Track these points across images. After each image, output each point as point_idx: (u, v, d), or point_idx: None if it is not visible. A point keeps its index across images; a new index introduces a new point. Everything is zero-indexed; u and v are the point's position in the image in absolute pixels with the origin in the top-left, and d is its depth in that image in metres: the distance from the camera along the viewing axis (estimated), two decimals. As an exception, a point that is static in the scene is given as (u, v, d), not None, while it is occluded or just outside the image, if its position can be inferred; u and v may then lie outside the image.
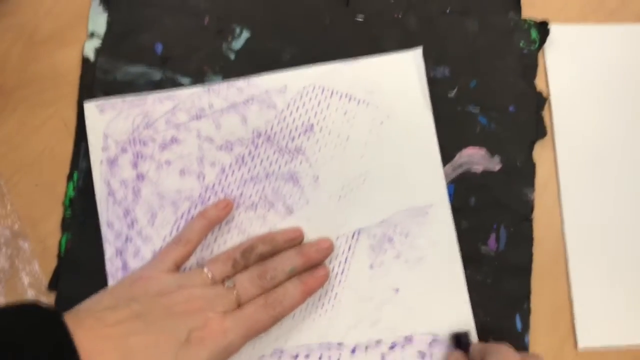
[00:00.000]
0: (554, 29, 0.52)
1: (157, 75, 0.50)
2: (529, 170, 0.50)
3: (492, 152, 0.50)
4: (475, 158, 0.50)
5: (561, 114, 0.51)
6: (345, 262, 0.47)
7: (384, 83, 0.49)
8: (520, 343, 0.46)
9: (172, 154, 0.48)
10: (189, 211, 0.47)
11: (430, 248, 0.47)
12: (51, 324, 0.35)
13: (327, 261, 0.46)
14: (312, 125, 0.49)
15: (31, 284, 0.47)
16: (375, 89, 0.49)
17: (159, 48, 0.51)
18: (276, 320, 0.43)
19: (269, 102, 0.49)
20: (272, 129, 0.49)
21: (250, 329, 0.41)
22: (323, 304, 0.46)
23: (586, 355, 0.47)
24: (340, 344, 0.45)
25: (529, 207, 0.49)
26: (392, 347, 0.45)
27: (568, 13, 0.54)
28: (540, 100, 0.51)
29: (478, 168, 0.50)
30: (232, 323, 0.41)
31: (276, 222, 0.47)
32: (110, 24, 0.51)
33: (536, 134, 0.51)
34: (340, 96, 0.49)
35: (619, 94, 0.52)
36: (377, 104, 0.49)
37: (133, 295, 0.40)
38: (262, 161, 0.48)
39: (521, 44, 0.52)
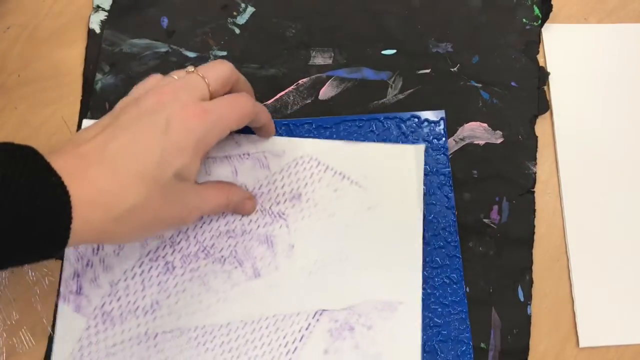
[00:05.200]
0: (554, 28, 0.51)
1: (162, 48, 0.48)
2: (531, 144, 0.48)
3: (494, 126, 0.48)
4: (477, 132, 0.48)
5: (562, 113, 0.50)
6: (301, 340, 0.43)
7: (380, 170, 0.46)
8: (523, 313, 0.45)
9: None
10: (156, 250, 0.44)
11: (391, 346, 0.43)
12: (25, 151, 0.32)
13: (282, 334, 0.43)
14: (299, 194, 0.45)
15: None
16: (371, 173, 0.46)
17: (164, 22, 0.49)
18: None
19: (263, 162, 0.45)
20: (259, 188, 0.45)
21: (232, 112, 0.38)
22: None
23: (588, 353, 0.46)
24: None
25: (531, 180, 0.48)
26: None
27: (568, 12, 0.52)
28: (542, 76, 0.50)
29: (480, 141, 0.48)
30: (213, 105, 0.37)
31: (240, 282, 0.43)
32: (115, -3, 0.49)
33: (538, 109, 0.49)
34: (334, 173, 0.46)
35: (619, 94, 0.50)
36: (369, 189, 0.45)
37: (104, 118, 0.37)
38: (241, 216, 0.45)
39: (524, 20, 0.51)
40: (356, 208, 0.45)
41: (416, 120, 0.48)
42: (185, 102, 0.36)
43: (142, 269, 0.44)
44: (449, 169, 0.47)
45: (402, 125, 0.47)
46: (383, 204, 0.46)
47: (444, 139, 0.48)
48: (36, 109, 0.48)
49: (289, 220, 0.45)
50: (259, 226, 0.45)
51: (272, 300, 0.44)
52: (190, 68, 0.38)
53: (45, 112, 0.48)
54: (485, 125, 0.48)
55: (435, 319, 0.45)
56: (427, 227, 0.46)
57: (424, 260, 0.45)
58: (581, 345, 0.46)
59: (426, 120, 0.48)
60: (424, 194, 0.46)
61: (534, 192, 0.48)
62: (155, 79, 0.39)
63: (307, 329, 0.43)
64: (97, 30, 0.49)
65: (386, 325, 0.44)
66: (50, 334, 0.44)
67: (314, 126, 0.47)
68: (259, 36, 0.49)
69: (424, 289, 0.45)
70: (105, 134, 0.35)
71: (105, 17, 0.49)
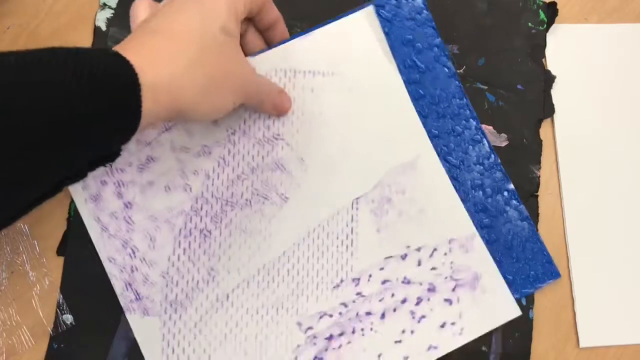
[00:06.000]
0: (554, 28, 0.50)
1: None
2: (535, 148, 0.48)
3: (499, 129, 0.48)
4: (483, 134, 0.48)
5: (562, 113, 0.49)
6: (352, 233, 0.45)
7: (343, 50, 0.46)
8: (524, 317, 0.45)
9: (152, 174, 0.45)
10: (185, 226, 0.44)
11: (428, 198, 0.45)
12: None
13: (334, 236, 0.45)
14: None
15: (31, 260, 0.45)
16: (336, 58, 0.46)
17: (169, 19, 0.49)
18: None
19: None
20: (245, 122, 0.45)
21: None
22: (342, 279, 0.44)
23: (587, 353, 0.46)
24: (368, 313, 0.44)
25: (535, 184, 0.48)
26: (418, 303, 0.44)
27: (568, 13, 0.51)
28: (548, 79, 0.50)
29: (485, 144, 0.48)
30: None
31: (274, 213, 0.45)
32: (121, -4, 0.49)
33: (543, 112, 0.49)
34: (304, 74, 0.46)
35: (618, 94, 0.50)
36: (341, 73, 0.46)
37: None
38: (243, 157, 0.45)
39: (529, 24, 0.50)
40: (339, 96, 0.46)
41: (394, 2, 0.47)
42: None
43: (182, 248, 0.44)
44: (440, 39, 0.47)
45: (382, 11, 0.47)
46: (360, 78, 0.46)
47: (425, 11, 0.48)
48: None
49: (286, 138, 0.45)
50: (263, 157, 0.45)
51: (309, 213, 0.45)
52: None
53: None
54: (491, 127, 0.48)
55: (476, 180, 0.46)
56: (438, 100, 0.47)
57: (445, 134, 0.47)
58: (581, 345, 0.46)
59: None
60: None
61: (537, 196, 0.48)
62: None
63: (352, 220, 0.45)
64: (103, 28, 0.49)
65: (415, 182, 0.45)
66: (51, 334, 0.44)
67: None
68: (264, 34, 0.49)
69: (452, 164, 0.46)
70: (146, 20, 0.37)
71: (112, 15, 0.49)
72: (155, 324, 0.43)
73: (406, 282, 0.44)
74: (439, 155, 0.46)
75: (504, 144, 0.48)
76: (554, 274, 0.46)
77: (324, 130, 0.46)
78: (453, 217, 0.45)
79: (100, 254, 0.44)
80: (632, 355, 0.46)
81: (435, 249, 0.45)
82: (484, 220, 0.46)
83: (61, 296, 0.45)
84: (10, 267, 0.45)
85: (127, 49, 0.32)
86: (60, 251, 0.45)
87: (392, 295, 0.44)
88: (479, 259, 0.45)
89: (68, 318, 0.44)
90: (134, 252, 0.44)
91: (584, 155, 0.49)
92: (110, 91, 0.30)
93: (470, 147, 0.47)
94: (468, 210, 0.46)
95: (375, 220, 0.45)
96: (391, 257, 0.45)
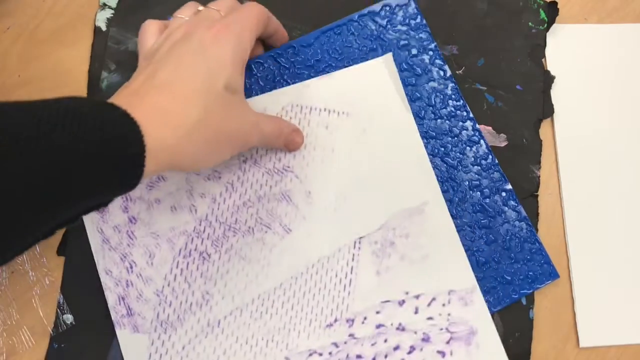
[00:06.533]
0: (554, 28, 0.50)
1: (168, 48, 0.48)
2: (535, 148, 0.48)
3: (498, 129, 0.48)
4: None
5: (561, 113, 0.49)
6: (352, 272, 0.44)
7: (360, 92, 0.46)
8: (525, 317, 0.45)
9: (161, 192, 0.45)
10: (185, 246, 0.44)
11: (432, 245, 0.45)
12: (82, 98, 0.32)
13: (333, 274, 0.44)
14: None
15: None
16: (353, 99, 0.46)
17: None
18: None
19: None
20: (257, 152, 0.45)
21: (250, 16, 0.41)
22: (336, 318, 0.44)
23: (587, 353, 0.46)
24: (359, 356, 0.43)
25: (535, 184, 0.47)
26: (410, 352, 0.43)
27: (568, 13, 0.51)
28: (548, 79, 0.49)
29: (484, 144, 0.48)
30: (231, 18, 0.40)
31: (275, 243, 0.44)
32: (121, -4, 0.49)
33: (543, 113, 0.49)
34: (320, 111, 0.46)
35: (618, 94, 0.50)
36: (357, 113, 0.46)
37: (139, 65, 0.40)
38: (252, 185, 0.45)
39: (530, 24, 0.50)
40: (352, 135, 0.46)
41: (388, 8, 0.48)
42: (208, 25, 0.39)
43: (180, 269, 0.44)
44: (435, 43, 0.48)
45: (377, 18, 0.48)
46: (375, 121, 0.46)
47: (419, 17, 0.48)
48: (37, 110, 0.47)
49: (295, 170, 0.45)
50: (271, 187, 0.45)
51: (311, 247, 0.45)
52: (200, 7, 0.42)
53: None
54: (490, 128, 0.48)
55: (474, 181, 0.46)
56: (434, 102, 0.47)
57: (442, 135, 0.47)
58: (581, 345, 0.46)
59: (397, 5, 0.48)
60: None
61: (537, 195, 0.47)
62: (163, 24, 0.42)
63: (353, 260, 0.44)
64: (103, 28, 0.49)
65: (421, 228, 0.45)
66: (51, 334, 0.44)
67: (297, 48, 0.47)
68: (264, 36, 0.49)
69: (450, 164, 0.46)
70: (149, 70, 0.37)
71: (112, 15, 0.49)
72: (143, 342, 0.43)
73: (401, 328, 0.44)
74: (436, 156, 0.46)
75: (503, 144, 0.48)
76: (552, 275, 0.45)
77: (334, 167, 0.46)
78: (455, 268, 0.45)
79: (97, 265, 0.44)
80: (632, 355, 0.46)
81: (434, 299, 0.44)
82: (482, 221, 0.46)
83: (61, 296, 0.45)
84: (10, 267, 0.45)
85: (133, 105, 0.33)
86: (60, 251, 0.45)
87: (385, 340, 0.44)
88: (477, 313, 0.44)
89: (68, 318, 0.44)
90: (131, 267, 0.44)
91: (583, 155, 0.49)
92: (116, 152, 0.31)
93: (468, 147, 0.47)
94: (465, 210, 0.46)
95: (376, 262, 0.45)
96: (388, 301, 0.44)
